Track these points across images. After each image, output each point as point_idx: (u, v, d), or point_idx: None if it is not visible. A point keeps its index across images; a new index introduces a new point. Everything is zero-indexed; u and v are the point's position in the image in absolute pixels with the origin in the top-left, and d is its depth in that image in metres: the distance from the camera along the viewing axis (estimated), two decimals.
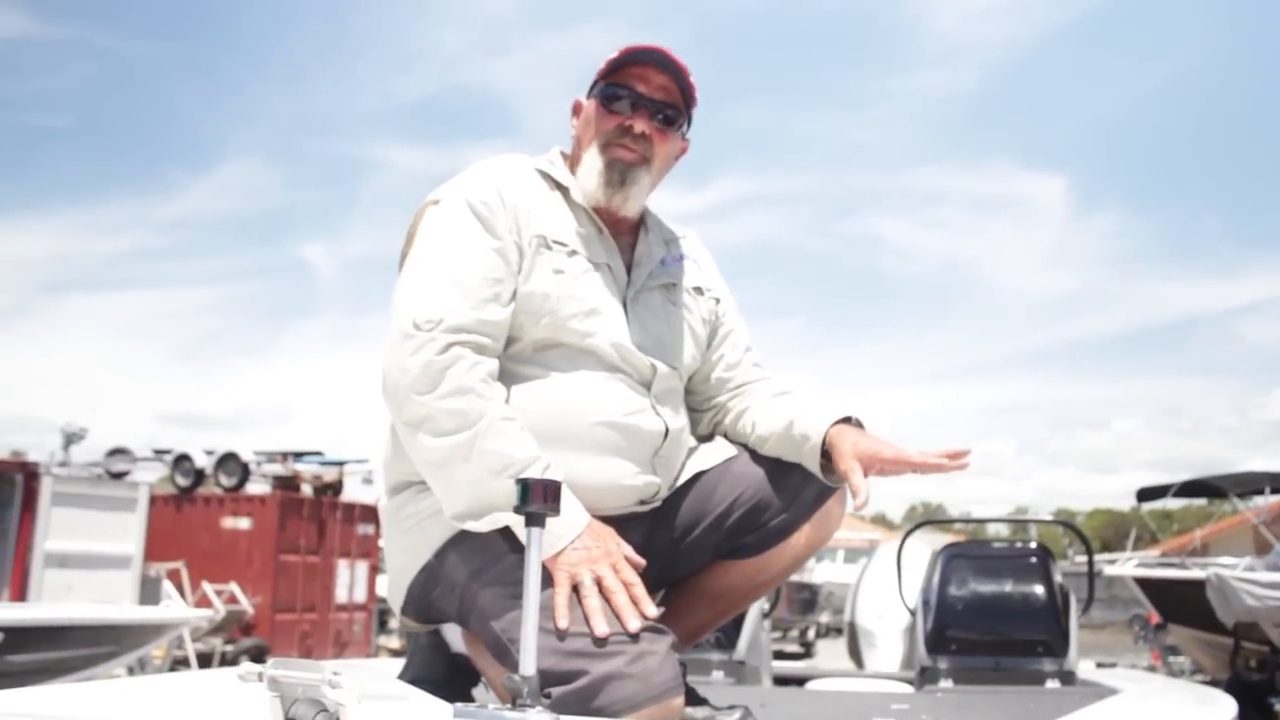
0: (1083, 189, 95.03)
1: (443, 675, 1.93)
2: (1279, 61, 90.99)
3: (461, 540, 1.74)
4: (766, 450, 1.96)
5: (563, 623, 1.58)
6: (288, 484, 15.83)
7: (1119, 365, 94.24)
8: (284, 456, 16.06)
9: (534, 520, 1.41)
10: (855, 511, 1.90)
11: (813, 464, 1.88)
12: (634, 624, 1.60)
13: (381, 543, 1.99)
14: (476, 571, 1.72)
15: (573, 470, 1.74)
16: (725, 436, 2.04)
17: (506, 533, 1.69)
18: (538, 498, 1.41)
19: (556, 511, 1.42)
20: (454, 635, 1.91)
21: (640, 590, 1.66)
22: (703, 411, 2.08)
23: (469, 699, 1.62)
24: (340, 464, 16.28)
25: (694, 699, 1.86)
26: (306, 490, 15.97)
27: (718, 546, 1.94)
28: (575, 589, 1.63)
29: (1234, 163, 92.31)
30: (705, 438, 2.05)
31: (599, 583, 1.64)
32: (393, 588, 1.89)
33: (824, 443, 1.85)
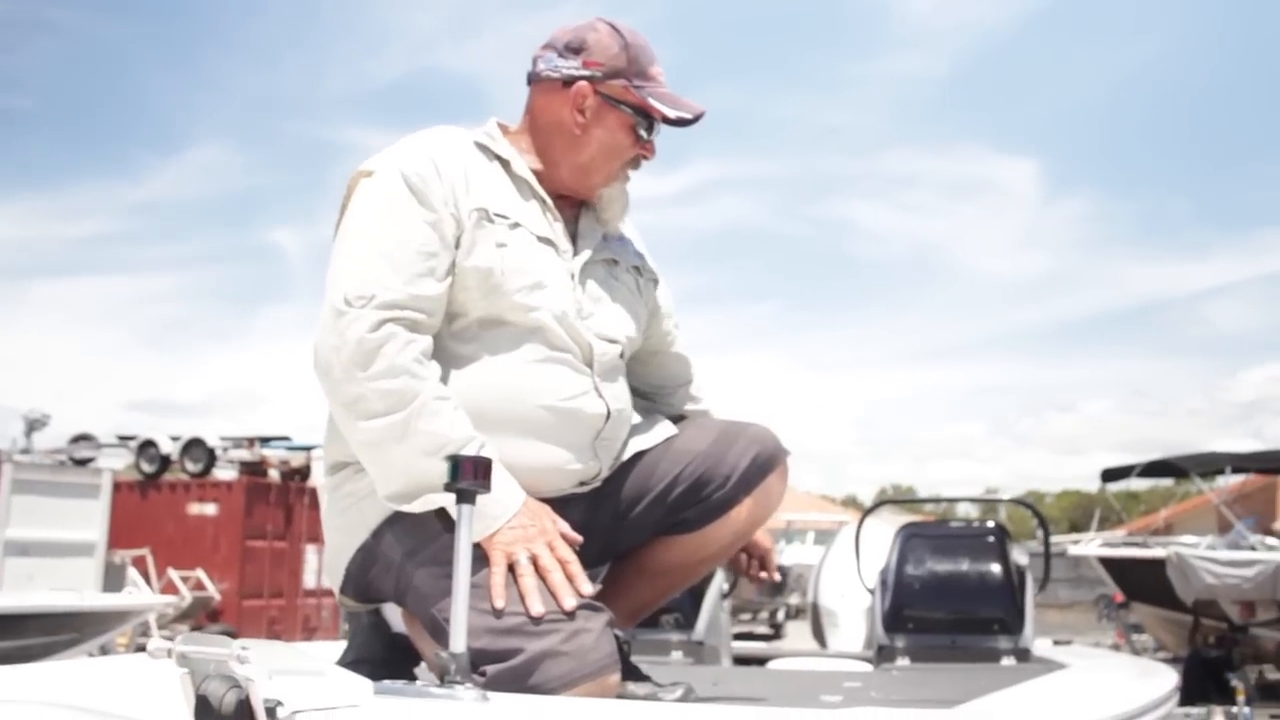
0: (1054, 172, 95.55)
1: (383, 656, 1.91)
2: (1249, 47, 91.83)
3: (397, 520, 1.73)
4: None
5: (499, 603, 1.58)
6: (254, 469, 15.75)
7: (1088, 348, 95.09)
8: (250, 442, 15.96)
9: (464, 497, 1.41)
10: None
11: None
12: (569, 602, 1.59)
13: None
14: (411, 551, 1.71)
15: (512, 453, 1.72)
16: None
17: (442, 513, 1.67)
18: (468, 474, 1.41)
19: (487, 488, 1.42)
20: (394, 615, 1.89)
21: (576, 568, 1.65)
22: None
23: (412, 679, 1.60)
24: (308, 449, 16.19)
25: (636, 676, 1.86)
26: (274, 475, 15.89)
27: (658, 523, 1.93)
28: (511, 568, 1.63)
29: (1203, 146, 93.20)
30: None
31: (535, 561, 1.63)
32: (331, 567, 1.87)
33: None
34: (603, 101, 1.87)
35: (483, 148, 1.88)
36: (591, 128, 1.87)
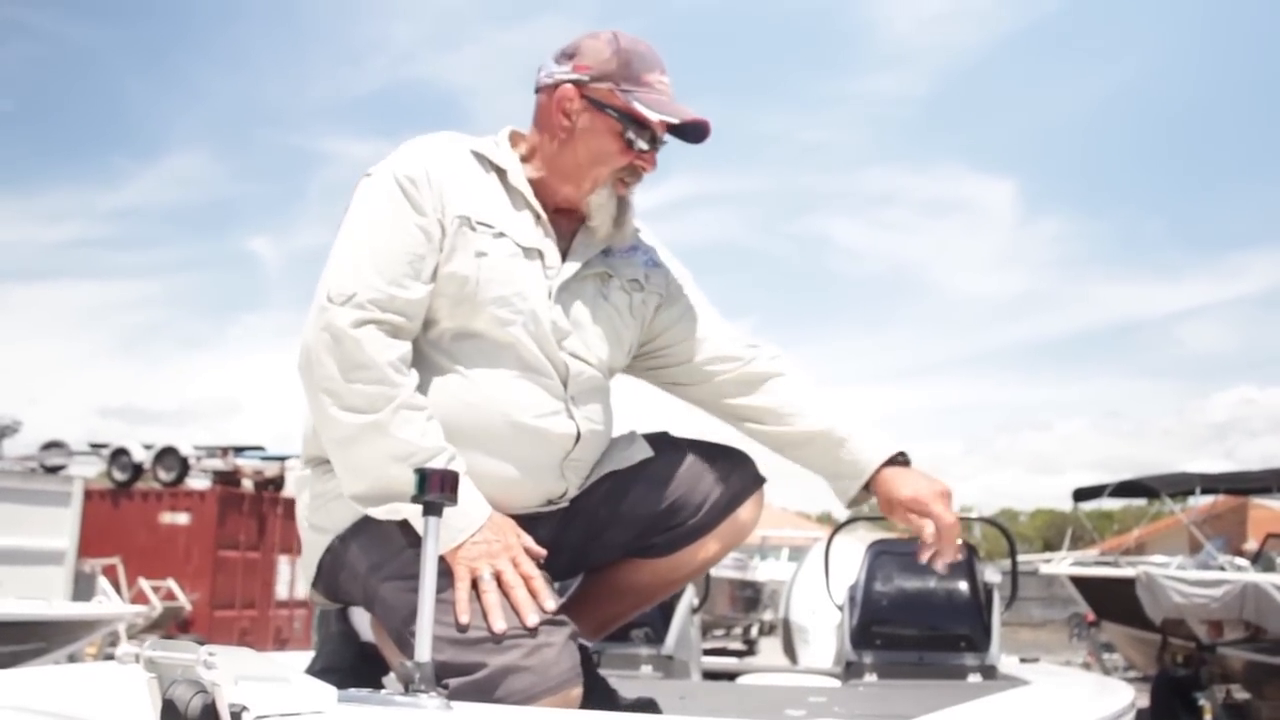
0: (1031, 192, 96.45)
1: (352, 665, 1.92)
2: (1225, 70, 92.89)
3: (363, 529, 1.73)
4: (793, 455, 1.99)
5: (463, 618, 1.58)
6: (228, 479, 15.67)
7: (1063, 367, 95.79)
8: (224, 451, 15.89)
9: (431, 510, 1.42)
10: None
11: (846, 491, 1.97)
12: (532, 619, 1.59)
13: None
14: (376, 565, 1.71)
15: (479, 468, 1.72)
16: (742, 423, 2.01)
17: (406, 525, 1.67)
18: (435, 488, 1.42)
19: (454, 502, 1.43)
20: (363, 624, 1.91)
21: (539, 583, 1.65)
22: (694, 385, 2.03)
23: (379, 689, 1.62)
24: (282, 459, 16.12)
25: (601, 687, 1.88)
26: (247, 485, 15.82)
27: (629, 545, 1.94)
28: (475, 584, 1.63)
29: (1179, 168, 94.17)
30: (715, 413, 2.04)
31: (498, 577, 1.63)
32: (305, 561, 1.86)
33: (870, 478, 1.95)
34: (588, 105, 1.82)
35: (480, 156, 1.85)
36: (576, 131, 1.83)
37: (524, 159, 1.87)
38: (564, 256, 1.84)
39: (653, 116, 1.80)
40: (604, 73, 1.82)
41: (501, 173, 1.84)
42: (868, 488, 1.96)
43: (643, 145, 1.82)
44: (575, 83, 1.83)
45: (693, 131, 1.85)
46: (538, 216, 1.83)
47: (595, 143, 1.82)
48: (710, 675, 4.23)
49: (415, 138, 1.85)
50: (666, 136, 1.84)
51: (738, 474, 1.96)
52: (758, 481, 2.00)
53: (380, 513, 1.68)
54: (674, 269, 2.02)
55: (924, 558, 1.93)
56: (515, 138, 1.90)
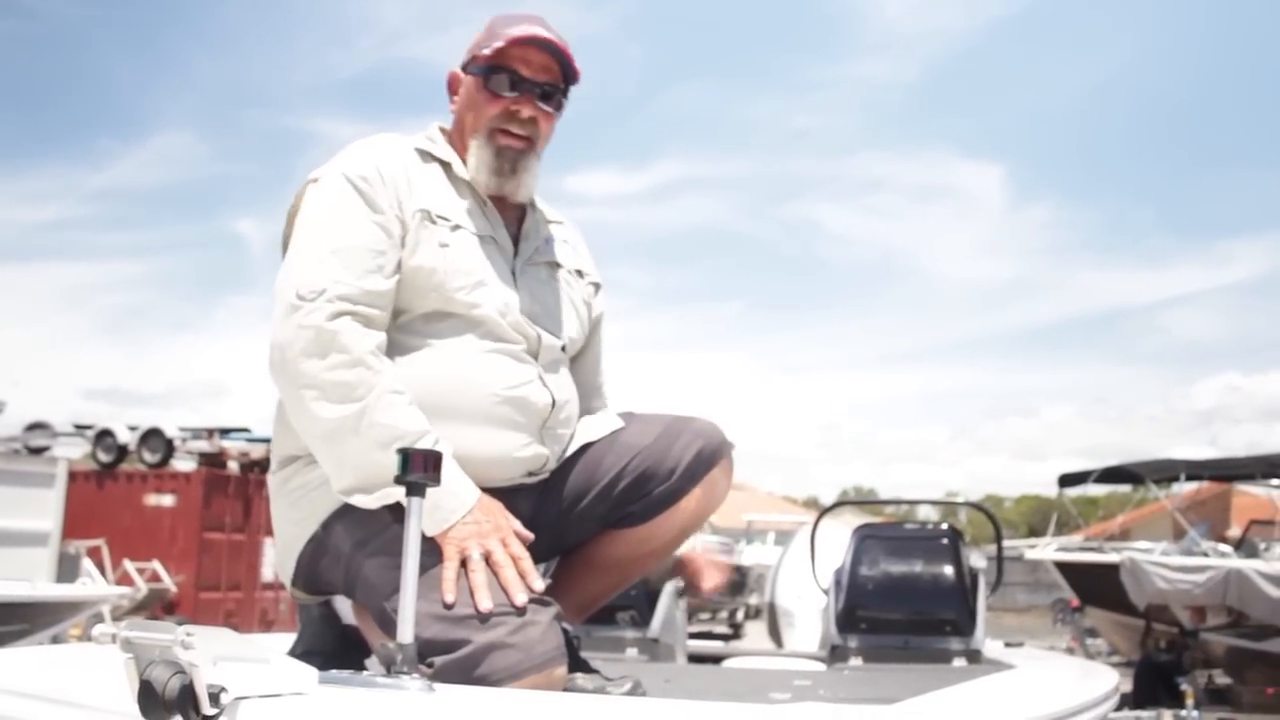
0: (1020, 179, 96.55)
1: (334, 647, 1.92)
2: (1217, 58, 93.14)
3: (347, 511, 1.74)
4: None
5: (449, 597, 1.59)
6: (213, 461, 15.64)
7: (1050, 354, 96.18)
8: (210, 433, 15.85)
9: (414, 490, 1.42)
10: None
11: None
12: (520, 598, 1.61)
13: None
14: (361, 542, 1.72)
15: (461, 442, 1.74)
16: None
17: (394, 505, 1.68)
18: (418, 468, 1.42)
19: (437, 481, 1.43)
20: (345, 607, 1.90)
21: (528, 564, 1.67)
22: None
23: (362, 671, 1.61)
24: (268, 441, 15.97)
25: (585, 671, 1.88)
26: (233, 467, 15.78)
27: (605, 516, 1.96)
28: (464, 563, 1.64)
29: (1168, 156, 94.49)
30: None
31: (487, 557, 1.65)
32: (282, 560, 1.88)
33: None
34: (463, 77, 1.95)
35: (423, 152, 1.93)
36: (462, 105, 1.95)
37: (457, 153, 1.95)
38: (515, 241, 1.94)
39: (487, 51, 1.90)
40: (474, 46, 1.94)
41: (446, 166, 1.93)
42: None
43: (506, 90, 1.89)
44: (461, 68, 1.96)
45: (534, 43, 1.88)
46: (484, 205, 1.92)
47: (467, 99, 1.94)
48: (695, 659, 4.25)
49: (359, 140, 1.92)
50: (537, 89, 1.89)
51: (707, 439, 1.99)
52: (727, 446, 2.03)
53: (370, 501, 1.69)
54: (594, 270, 2.13)
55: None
56: (444, 133, 1.99)
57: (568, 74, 1.93)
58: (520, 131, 1.90)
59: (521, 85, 1.90)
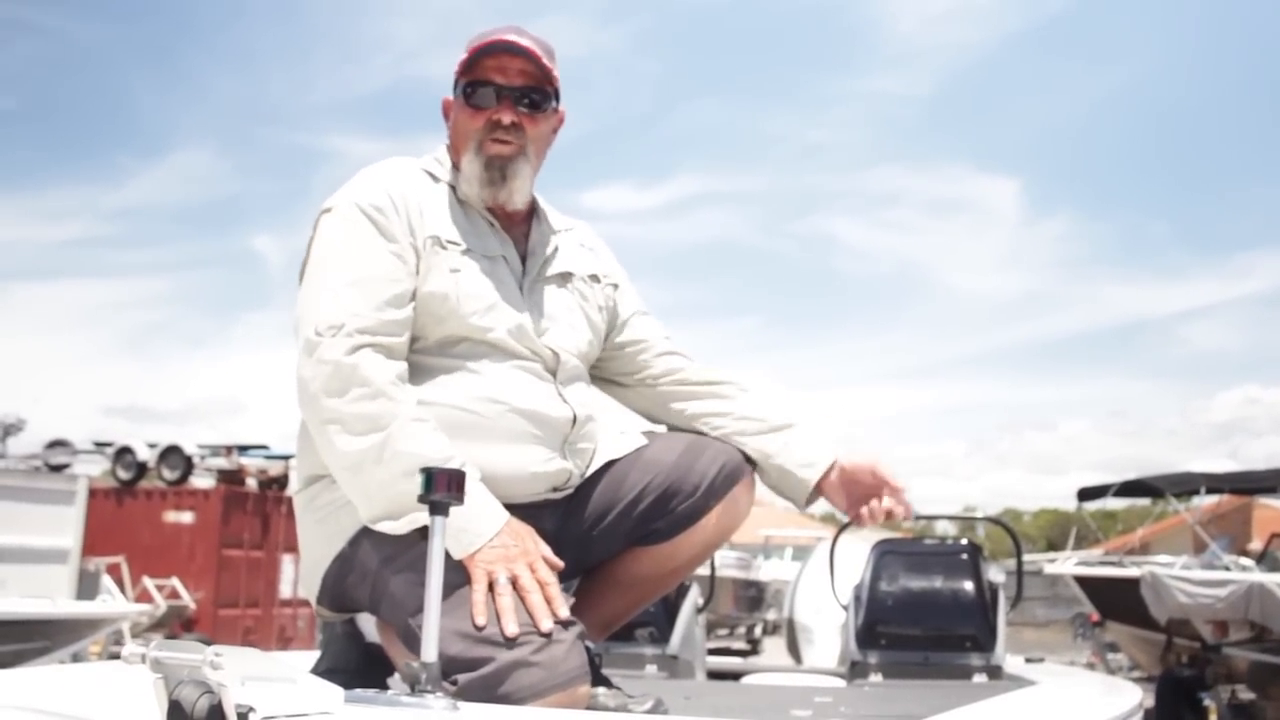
0: (1035, 193, 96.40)
1: (357, 665, 1.92)
2: (1228, 71, 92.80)
3: (375, 530, 1.74)
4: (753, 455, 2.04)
5: (479, 620, 1.59)
6: (232, 478, 15.70)
7: (1067, 367, 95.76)
8: (228, 450, 15.92)
9: (437, 509, 1.43)
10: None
11: (799, 489, 2.04)
12: (546, 624, 1.60)
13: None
14: (388, 558, 1.73)
15: (485, 460, 1.75)
16: (685, 426, 2.08)
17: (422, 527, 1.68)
18: (441, 487, 1.43)
19: (460, 500, 1.43)
20: (369, 625, 1.90)
21: (555, 590, 1.67)
22: (634, 388, 2.13)
23: (385, 689, 1.62)
24: (286, 458, 16.14)
25: (607, 687, 1.88)
26: (251, 484, 15.84)
27: (629, 533, 1.96)
28: (491, 587, 1.64)
29: (1183, 169, 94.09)
30: (654, 417, 2.11)
31: (514, 582, 1.65)
32: (308, 578, 1.89)
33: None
34: (452, 100, 1.97)
35: (431, 175, 1.95)
36: (451, 127, 1.98)
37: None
38: (523, 258, 1.95)
39: (462, 68, 1.92)
40: (456, 73, 1.95)
41: (453, 188, 1.94)
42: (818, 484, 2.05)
43: (486, 103, 1.91)
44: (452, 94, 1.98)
45: (504, 50, 1.89)
46: (492, 224, 1.93)
47: (456, 120, 1.96)
48: (715, 675, 4.24)
49: (369, 165, 1.94)
50: (515, 94, 1.90)
51: (729, 457, 1.99)
52: (750, 463, 2.03)
53: (398, 527, 1.70)
54: (615, 267, 2.14)
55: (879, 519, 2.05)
56: (450, 153, 2.00)
57: (546, 75, 1.93)
58: (506, 138, 1.91)
59: (501, 94, 1.91)
